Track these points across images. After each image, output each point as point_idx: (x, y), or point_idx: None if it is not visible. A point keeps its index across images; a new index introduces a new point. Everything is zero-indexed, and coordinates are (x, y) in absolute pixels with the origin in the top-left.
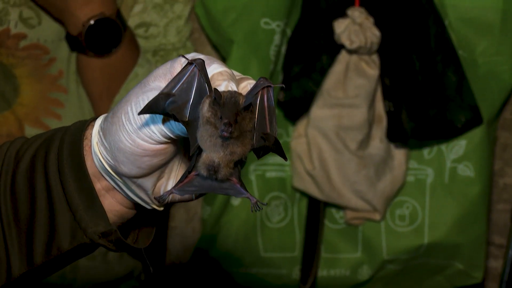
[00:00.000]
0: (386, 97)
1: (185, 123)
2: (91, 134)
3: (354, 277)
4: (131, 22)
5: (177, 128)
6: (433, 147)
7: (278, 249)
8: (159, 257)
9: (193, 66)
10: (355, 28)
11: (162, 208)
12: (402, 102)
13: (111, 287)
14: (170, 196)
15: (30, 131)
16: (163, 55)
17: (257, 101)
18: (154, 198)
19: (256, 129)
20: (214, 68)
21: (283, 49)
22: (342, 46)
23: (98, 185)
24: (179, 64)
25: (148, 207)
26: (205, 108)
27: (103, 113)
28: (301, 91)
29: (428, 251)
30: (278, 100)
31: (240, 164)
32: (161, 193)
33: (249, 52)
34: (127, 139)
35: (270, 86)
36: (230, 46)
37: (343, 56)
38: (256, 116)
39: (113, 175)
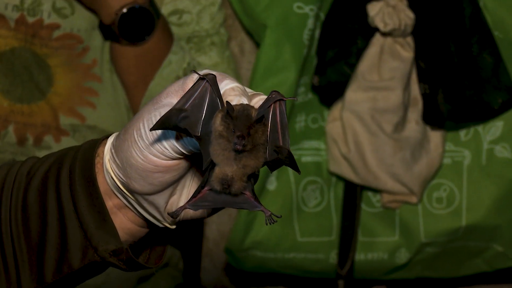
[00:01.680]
0: (421, 79)
1: (198, 138)
2: (103, 152)
3: (392, 260)
4: (164, 9)
5: (190, 143)
6: (470, 128)
7: (315, 234)
8: (197, 244)
9: (205, 81)
10: (388, 10)
11: (174, 227)
12: (437, 84)
13: (148, 277)
14: (183, 213)
15: (65, 120)
16: (196, 42)
17: (269, 114)
18: (168, 213)
19: (269, 142)
20: (226, 84)
21: (317, 33)
22: (376, 29)
23: (110, 203)
24: (191, 81)
25: (160, 225)
26: (218, 122)
27: (138, 102)
28: (336, 75)
29: (466, 234)
30: (313, 85)
31: (253, 177)
32: (173, 210)
33: (282, 37)
34: (138, 155)
35: (282, 99)
36: (263, 31)
37: (377, 39)
38: (268, 129)
39: (125, 193)
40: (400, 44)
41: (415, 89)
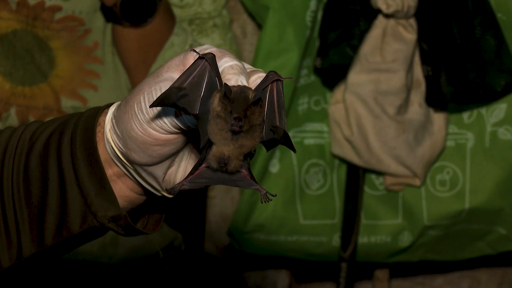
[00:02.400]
0: (424, 61)
1: (196, 117)
2: (104, 121)
3: (395, 243)
4: None
5: (188, 120)
6: (473, 111)
7: (318, 216)
8: (199, 227)
9: (204, 60)
10: None
11: (172, 196)
12: (440, 66)
13: (152, 259)
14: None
15: (67, 102)
16: (198, 24)
17: (266, 94)
18: (166, 189)
19: (265, 122)
20: (225, 62)
21: (320, 15)
22: (378, 11)
23: (110, 171)
24: (192, 56)
25: (158, 194)
26: (216, 103)
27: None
28: (338, 57)
29: (469, 216)
30: (315, 67)
31: (249, 156)
32: (171, 181)
33: (285, 19)
34: (138, 128)
35: (279, 79)
36: (265, 13)
37: (380, 21)
38: (265, 110)
39: (124, 162)
40: (403, 26)
41: (418, 71)
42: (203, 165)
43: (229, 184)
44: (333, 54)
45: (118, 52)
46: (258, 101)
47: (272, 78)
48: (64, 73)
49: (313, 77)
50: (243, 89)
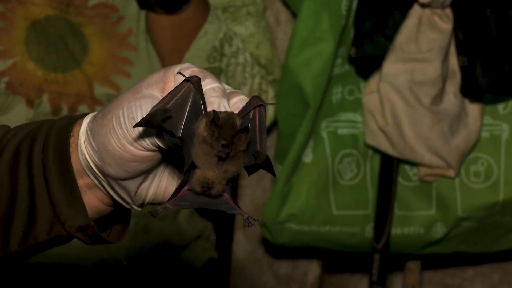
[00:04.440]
0: (459, 51)
1: (180, 139)
2: (78, 132)
3: (428, 235)
4: None
5: (169, 140)
6: (508, 102)
7: (351, 207)
8: (229, 217)
9: (189, 83)
10: None
11: (140, 209)
12: (476, 57)
13: (181, 249)
14: (151, 195)
15: (100, 90)
16: (232, 12)
17: (249, 120)
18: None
19: (248, 148)
20: (207, 83)
21: (355, 3)
22: (414, 0)
23: (81, 182)
24: (172, 73)
25: (128, 207)
26: (202, 127)
27: None
28: (373, 47)
29: (503, 208)
30: (350, 56)
31: (231, 181)
32: (143, 195)
33: (320, 7)
34: (116, 143)
35: (262, 105)
36: (301, 1)
37: (415, 10)
38: (249, 137)
39: (97, 174)
40: (439, 15)
41: (454, 62)
42: (186, 188)
43: (211, 207)
44: (368, 43)
45: (152, 39)
46: (245, 129)
47: (255, 103)
48: (97, 60)
49: (347, 67)
50: (230, 115)
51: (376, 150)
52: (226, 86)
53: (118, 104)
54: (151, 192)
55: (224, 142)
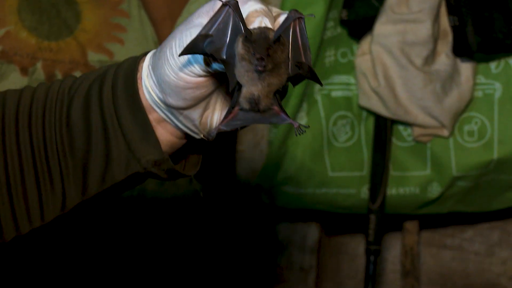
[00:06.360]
0: (450, 11)
1: (223, 62)
2: (142, 68)
3: (424, 195)
4: None
5: (216, 64)
6: (500, 61)
7: (346, 169)
8: (229, 180)
9: (227, 7)
10: None
11: (211, 138)
12: (467, 16)
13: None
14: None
15: (93, 56)
16: None
17: (289, 32)
18: (203, 135)
19: (290, 59)
20: (250, 6)
21: None
22: None
23: (150, 117)
24: (221, 2)
25: (197, 137)
26: (239, 46)
27: (166, 37)
28: (364, 8)
29: (498, 167)
30: (341, 19)
31: (279, 93)
32: (207, 123)
33: None
34: (171, 72)
35: (301, 17)
36: None
37: None
38: (289, 47)
39: (162, 107)
40: None
41: (445, 22)
42: (236, 108)
43: (263, 122)
44: (359, 5)
45: (144, 5)
46: (278, 39)
47: (293, 17)
48: (90, 27)
49: (339, 29)
50: (263, 30)
51: (370, 112)
52: (274, 9)
53: (172, 37)
54: (215, 119)
55: (258, 56)
